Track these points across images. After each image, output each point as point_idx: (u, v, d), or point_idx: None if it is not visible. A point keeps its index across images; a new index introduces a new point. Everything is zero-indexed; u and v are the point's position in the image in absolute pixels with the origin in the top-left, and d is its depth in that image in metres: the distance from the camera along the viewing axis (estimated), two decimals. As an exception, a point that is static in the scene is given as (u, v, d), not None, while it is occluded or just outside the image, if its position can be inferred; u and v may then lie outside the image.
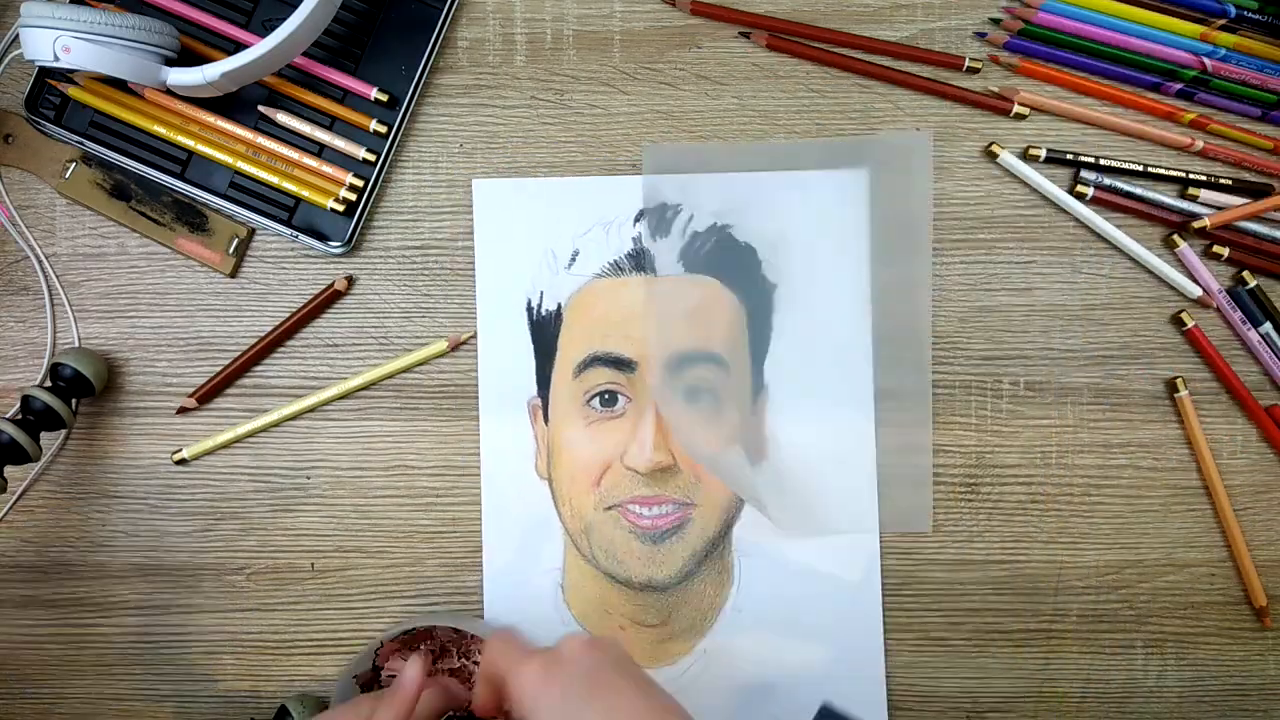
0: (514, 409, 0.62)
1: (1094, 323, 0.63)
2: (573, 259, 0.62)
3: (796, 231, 0.62)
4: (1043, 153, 0.62)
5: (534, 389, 0.63)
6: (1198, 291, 0.62)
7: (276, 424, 0.63)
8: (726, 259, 0.62)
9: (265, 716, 0.62)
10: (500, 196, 0.62)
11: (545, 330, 0.62)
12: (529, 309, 0.63)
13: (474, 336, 0.62)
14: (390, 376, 0.63)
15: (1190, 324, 0.62)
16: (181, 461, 0.62)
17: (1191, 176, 0.62)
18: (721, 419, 0.62)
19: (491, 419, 0.63)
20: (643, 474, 0.62)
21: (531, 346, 0.63)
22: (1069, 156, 0.62)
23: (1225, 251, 0.62)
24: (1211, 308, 0.63)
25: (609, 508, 0.62)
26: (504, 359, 0.62)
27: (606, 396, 0.62)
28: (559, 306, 0.62)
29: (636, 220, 0.62)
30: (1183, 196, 0.63)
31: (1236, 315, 0.62)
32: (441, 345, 0.62)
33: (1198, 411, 0.63)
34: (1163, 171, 0.62)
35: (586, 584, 0.63)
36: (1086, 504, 0.63)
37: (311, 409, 0.63)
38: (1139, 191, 0.62)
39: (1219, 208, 0.62)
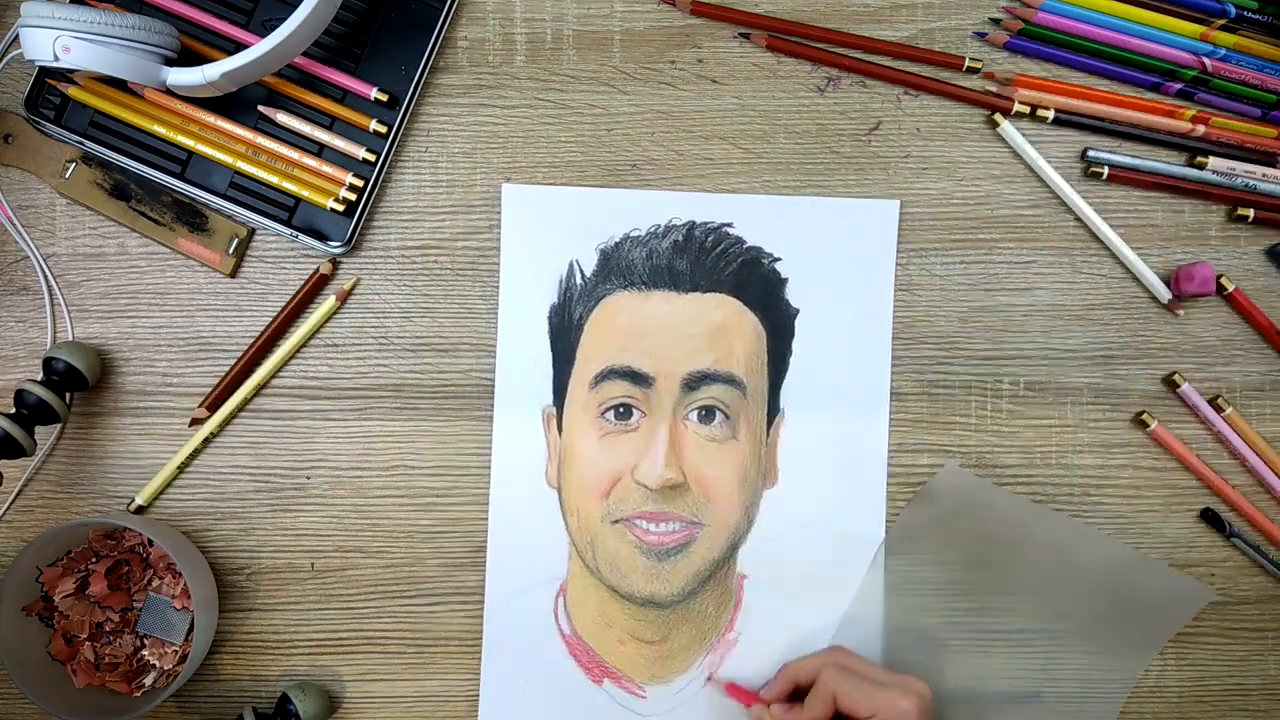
0: (528, 416, 0.62)
1: (1094, 323, 0.63)
2: (597, 270, 0.62)
3: (824, 258, 0.62)
4: (1051, 114, 0.61)
5: (549, 397, 0.62)
6: (1169, 296, 0.62)
7: (216, 434, 0.63)
8: (751, 281, 0.62)
9: (266, 708, 0.62)
10: (529, 202, 0.62)
11: (565, 339, 0.62)
12: (550, 317, 0.63)
13: (357, 285, 0.62)
14: (295, 352, 0.62)
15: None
16: (139, 510, 0.62)
17: (1201, 146, 0.63)
18: (735, 440, 0.62)
19: (506, 424, 0.62)
20: (652, 489, 0.62)
21: (550, 355, 0.63)
22: (1076, 119, 0.62)
23: (1250, 213, 0.62)
24: (1179, 315, 0.63)
25: (616, 521, 0.62)
26: (522, 365, 0.62)
27: (621, 410, 0.62)
28: (580, 317, 0.62)
29: (663, 235, 0.62)
30: (1191, 165, 0.63)
31: None
32: (331, 302, 0.62)
33: (1199, 410, 0.63)
34: (1169, 139, 0.63)
35: (588, 595, 0.62)
36: (1086, 504, 0.63)
37: (241, 406, 0.63)
38: (1151, 165, 0.62)
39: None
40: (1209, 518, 0.62)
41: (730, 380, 0.62)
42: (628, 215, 0.62)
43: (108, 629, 0.62)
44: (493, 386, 0.63)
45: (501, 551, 0.62)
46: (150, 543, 0.62)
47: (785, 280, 0.62)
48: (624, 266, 0.62)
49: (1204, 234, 0.63)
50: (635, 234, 0.62)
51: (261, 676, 0.63)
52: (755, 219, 0.62)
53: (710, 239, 0.62)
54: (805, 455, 0.62)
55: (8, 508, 0.63)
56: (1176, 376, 0.63)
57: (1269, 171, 0.62)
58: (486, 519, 0.63)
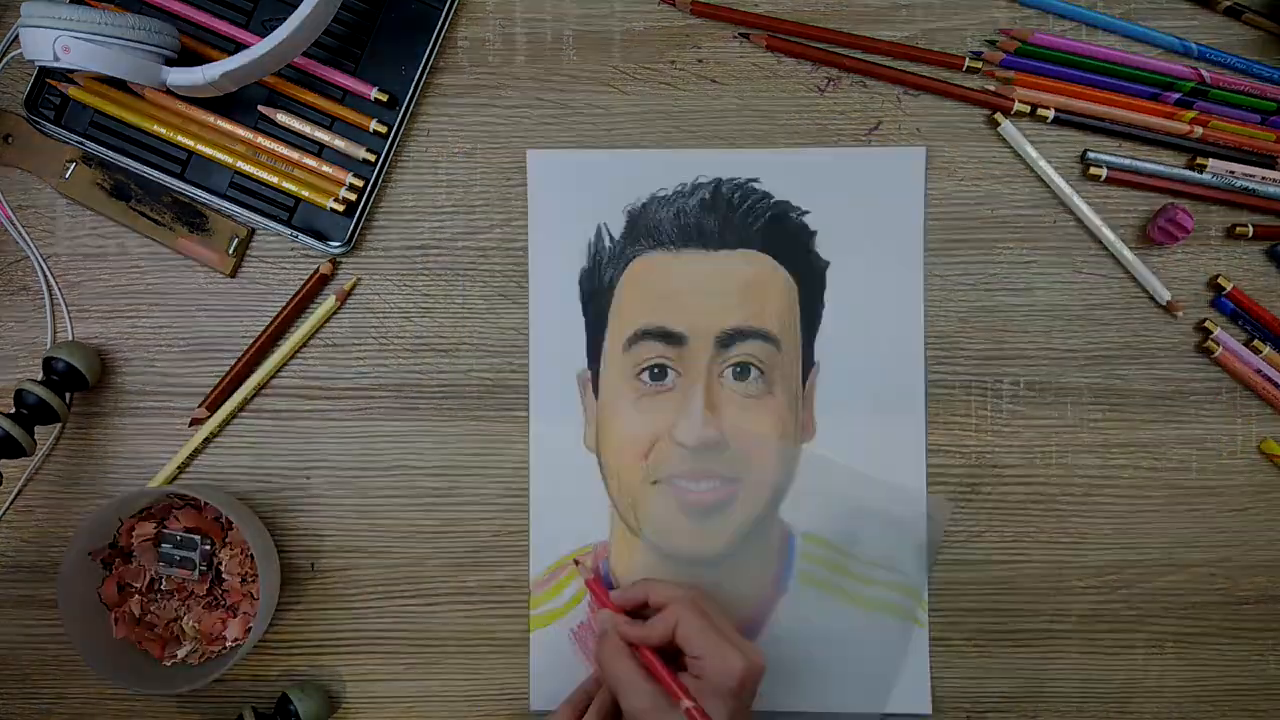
0: (564, 380, 0.63)
1: (1094, 323, 0.63)
2: (625, 232, 0.62)
3: (852, 210, 0.62)
4: (1051, 114, 0.61)
5: (584, 361, 0.63)
6: (1167, 296, 0.62)
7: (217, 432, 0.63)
8: (780, 235, 0.62)
9: (266, 708, 0.62)
10: (554, 167, 0.62)
11: (597, 303, 0.63)
12: (581, 281, 0.63)
13: (357, 285, 0.62)
14: (295, 352, 0.62)
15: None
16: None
17: (1200, 147, 0.63)
18: (771, 396, 0.62)
19: (541, 390, 0.63)
20: (691, 449, 0.62)
21: (583, 319, 0.63)
22: (1077, 119, 0.62)
23: (1249, 230, 0.62)
24: (1178, 316, 0.63)
25: (656, 481, 0.62)
26: (555, 330, 0.63)
27: (656, 370, 0.62)
28: (611, 279, 0.62)
29: (690, 194, 0.62)
30: (1190, 167, 0.63)
31: None
32: (330, 302, 0.62)
33: (1197, 412, 0.63)
34: (1169, 140, 0.62)
35: (633, 557, 0.63)
36: (1086, 504, 0.63)
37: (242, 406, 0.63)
38: (1150, 167, 0.62)
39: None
40: None
41: (764, 336, 0.62)
42: (653, 175, 0.62)
43: (163, 587, 0.62)
44: (491, 386, 0.63)
45: (545, 517, 0.63)
46: (230, 524, 0.62)
47: (814, 233, 0.62)
48: (652, 227, 0.62)
49: (1204, 233, 0.63)
50: (662, 194, 0.62)
51: (261, 676, 0.63)
52: (781, 174, 0.62)
53: (737, 195, 0.62)
54: (842, 407, 0.62)
55: (8, 508, 0.63)
56: (1209, 323, 0.62)
57: (1268, 174, 0.62)
58: (487, 519, 0.63)
